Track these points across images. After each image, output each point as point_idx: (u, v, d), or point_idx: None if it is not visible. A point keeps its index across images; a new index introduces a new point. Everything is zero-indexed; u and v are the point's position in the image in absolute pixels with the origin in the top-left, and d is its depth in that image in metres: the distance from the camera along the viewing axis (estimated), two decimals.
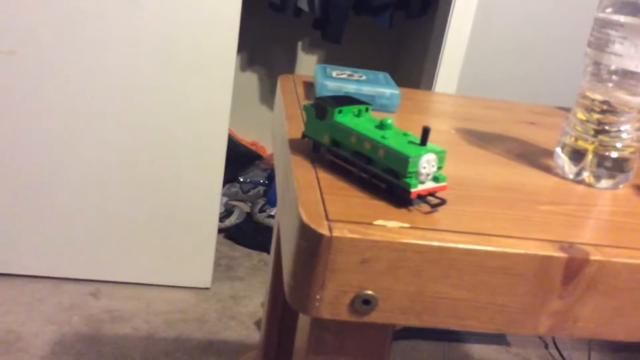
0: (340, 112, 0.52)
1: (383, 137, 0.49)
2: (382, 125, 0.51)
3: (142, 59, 1.45)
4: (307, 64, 2.37)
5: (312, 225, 0.42)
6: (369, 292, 0.43)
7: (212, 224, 1.62)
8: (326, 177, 0.51)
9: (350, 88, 0.74)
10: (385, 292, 0.43)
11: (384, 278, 0.43)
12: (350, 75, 0.77)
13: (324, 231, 0.42)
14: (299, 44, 2.34)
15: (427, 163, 0.47)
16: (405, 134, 0.51)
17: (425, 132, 0.48)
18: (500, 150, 0.66)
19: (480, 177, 0.57)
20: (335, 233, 0.42)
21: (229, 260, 1.84)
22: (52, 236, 1.58)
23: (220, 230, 1.96)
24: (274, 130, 0.76)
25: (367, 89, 0.74)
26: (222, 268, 1.80)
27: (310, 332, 0.47)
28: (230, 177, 2.15)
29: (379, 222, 0.44)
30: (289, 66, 2.33)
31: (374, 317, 0.44)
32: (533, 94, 1.74)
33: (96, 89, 1.46)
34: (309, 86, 0.81)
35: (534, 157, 0.66)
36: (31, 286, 1.59)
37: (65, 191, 1.55)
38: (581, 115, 0.58)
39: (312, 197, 0.46)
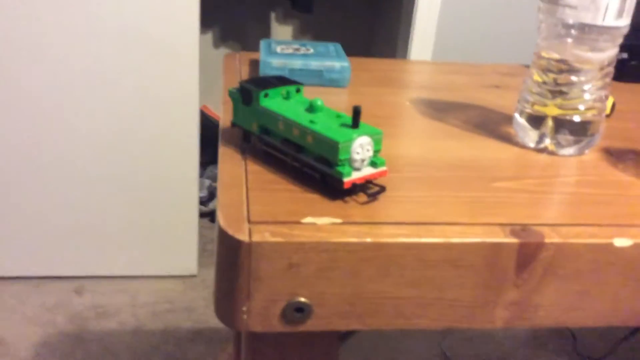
0: (266, 95, 0.48)
1: (311, 122, 0.45)
2: (311, 108, 0.46)
3: (101, 42, 1.39)
4: (283, 36, 2.30)
5: (230, 231, 0.38)
6: (301, 299, 0.39)
7: (192, 208, 1.58)
8: (256, 171, 0.47)
9: (297, 64, 0.69)
10: (319, 298, 0.40)
11: (316, 282, 0.39)
12: (296, 49, 0.72)
13: (243, 237, 0.38)
14: (272, 15, 2.27)
15: (360, 147, 0.43)
16: (338, 116, 0.46)
17: (356, 112, 0.43)
18: (457, 122, 0.62)
19: (432, 155, 0.53)
20: (255, 238, 0.38)
21: (214, 244, 1.81)
22: (28, 234, 1.55)
23: (204, 214, 1.93)
24: None
25: (314, 64, 0.69)
26: (208, 253, 1.77)
27: (248, 346, 0.43)
28: (212, 158, 2.10)
29: (308, 219, 0.40)
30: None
31: (310, 325, 0.40)
32: (515, 54, 1.67)
33: (59, 78, 1.41)
34: (255, 65, 0.75)
35: (495, 126, 0.62)
36: (11, 288, 1.56)
37: (38, 186, 1.51)
38: (537, 77, 0.52)
39: (235, 197, 0.42)
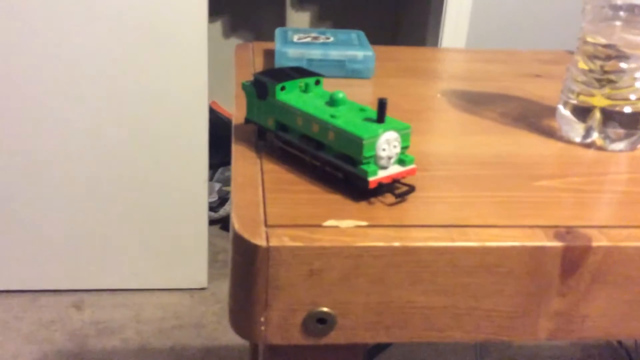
0: (283, 88, 0.49)
1: (333, 117, 0.45)
2: (332, 101, 0.47)
3: (97, 29, 1.41)
4: (300, 24, 2.32)
5: (245, 235, 0.39)
6: (324, 308, 0.40)
7: (202, 215, 1.60)
8: (273, 170, 0.48)
9: (315, 54, 0.70)
10: (343, 307, 0.40)
11: (340, 290, 0.40)
12: (315, 38, 0.73)
13: (260, 241, 0.39)
14: (288, 1, 2.28)
15: (386, 144, 0.44)
16: (362, 110, 0.47)
17: (382, 106, 0.44)
18: (494, 115, 0.62)
19: (465, 152, 0.53)
20: (273, 242, 0.39)
21: (226, 254, 1.82)
22: (23, 244, 1.58)
23: (214, 221, 1.94)
24: None
25: (335, 53, 0.70)
26: (219, 264, 1.78)
27: None
28: (222, 159, 2.12)
29: (330, 222, 0.41)
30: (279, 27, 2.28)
31: (334, 337, 0.41)
32: (558, 39, 1.67)
33: (52, 74, 1.43)
34: (270, 56, 0.76)
35: (536, 119, 0.62)
36: (6, 302, 1.59)
37: (36, 194, 1.54)
38: (583, 64, 0.53)
39: (251, 198, 0.43)
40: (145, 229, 1.59)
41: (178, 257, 1.63)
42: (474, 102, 0.66)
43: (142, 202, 1.57)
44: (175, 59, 1.45)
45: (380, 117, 0.44)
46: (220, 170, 2.10)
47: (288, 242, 0.39)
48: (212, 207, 1.93)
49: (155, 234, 1.60)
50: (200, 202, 1.59)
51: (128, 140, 1.51)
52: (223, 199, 1.98)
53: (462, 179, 0.48)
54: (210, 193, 1.93)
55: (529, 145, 0.55)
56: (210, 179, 2.01)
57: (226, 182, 2.13)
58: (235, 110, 0.59)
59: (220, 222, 1.97)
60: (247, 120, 0.52)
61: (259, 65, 0.74)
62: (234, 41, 2.30)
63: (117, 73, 1.45)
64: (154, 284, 1.65)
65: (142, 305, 1.61)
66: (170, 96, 1.49)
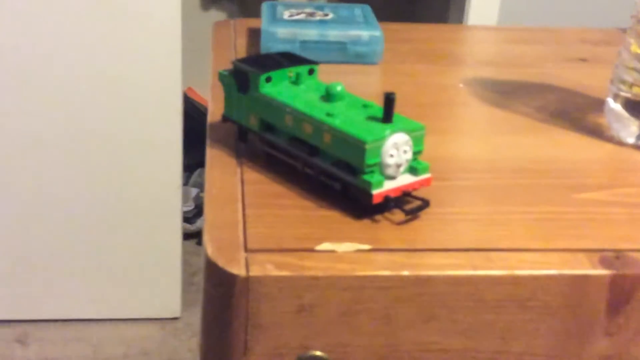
0: (269, 79, 0.49)
1: (329, 115, 0.45)
2: (328, 95, 0.47)
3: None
4: None
5: (220, 262, 0.39)
6: (317, 352, 0.40)
7: (174, 227, 1.60)
8: (256, 180, 0.48)
9: (311, 34, 0.70)
10: (340, 351, 0.40)
11: (336, 330, 0.40)
12: (310, 14, 0.73)
13: (237, 270, 0.39)
14: None
15: (395, 149, 0.44)
16: (365, 106, 0.47)
17: (389, 101, 0.44)
18: (529, 109, 0.62)
19: (493, 156, 0.53)
20: (255, 271, 0.39)
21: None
22: None
23: (190, 235, 1.94)
24: None
25: (335, 34, 0.70)
26: (196, 288, 1.78)
27: None
28: (200, 159, 2.12)
29: (325, 246, 0.41)
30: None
31: None
32: (608, 14, 1.67)
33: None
34: (255, 36, 0.76)
35: (580, 114, 0.62)
36: None
37: None
38: (637, 47, 0.53)
39: (228, 215, 0.43)
40: (105, 245, 1.59)
41: (145, 280, 1.63)
42: (505, 93, 0.66)
43: (100, 212, 1.56)
44: (142, 36, 1.45)
45: (387, 115, 0.44)
46: (197, 172, 2.10)
47: (273, 271, 0.39)
48: (188, 218, 1.93)
49: (117, 252, 1.60)
50: (172, 212, 1.59)
51: (81, 136, 1.51)
52: (201, 208, 1.99)
53: (489, 190, 0.48)
54: (185, 201, 1.93)
55: (570, 147, 0.55)
56: (185, 183, 2.01)
57: (204, 187, 2.14)
58: (211, 105, 0.59)
59: (198, 236, 1.97)
60: (225, 118, 0.52)
61: (241, 48, 0.74)
62: (214, 16, 2.30)
63: (77, 55, 1.45)
64: (116, 312, 1.65)
65: (102, 339, 1.61)
66: (135, 81, 1.48)
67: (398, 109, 0.59)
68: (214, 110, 0.58)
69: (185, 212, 1.92)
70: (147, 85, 1.49)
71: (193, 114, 2.07)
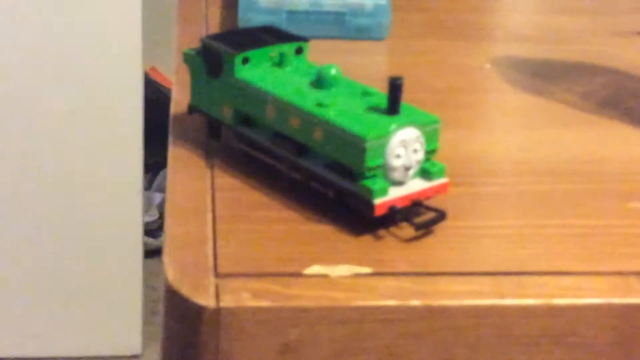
0: (246, 60, 0.49)
1: (320, 105, 0.45)
2: (320, 80, 0.47)
3: None
4: None
5: (184, 290, 0.39)
6: None
7: (134, 243, 1.60)
8: (229, 186, 0.48)
9: (300, 2, 0.69)
10: None
11: None
12: None
13: (205, 299, 0.39)
14: None
15: (402, 147, 0.44)
16: (366, 93, 0.47)
17: (396, 88, 0.44)
18: (572, 97, 0.63)
19: (527, 155, 0.53)
20: (227, 301, 0.38)
21: None
22: None
23: (153, 252, 1.94)
24: None
25: (330, 2, 0.70)
26: (160, 318, 1.78)
27: None
28: (165, 156, 2.12)
29: (316, 269, 0.41)
30: None
31: None
32: None
33: None
34: (231, 5, 0.76)
35: (636, 102, 0.62)
36: None
37: None
38: None
39: (194, 231, 0.43)
40: (47, 267, 1.59)
41: (98, 309, 1.63)
42: (542, 76, 0.66)
43: (40, 226, 1.56)
44: (95, 6, 1.45)
45: (393, 105, 0.44)
46: (162, 173, 2.10)
47: (250, 301, 0.38)
48: (151, 231, 1.93)
49: (63, 275, 1.60)
50: (131, 223, 1.59)
51: (16, 127, 1.51)
52: None
53: (520, 198, 0.48)
54: (147, 209, 1.93)
55: (622, 144, 0.55)
56: (148, 187, 2.01)
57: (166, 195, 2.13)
58: (175, 92, 0.59)
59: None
60: (192, 109, 0.52)
61: (213, 20, 0.74)
62: None
63: (11, 27, 1.45)
64: (62, 350, 1.65)
65: None
66: (82, 58, 1.48)
67: (408, 96, 0.58)
68: (179, 99, 0.58)
69: (147, 224, 1.92)
70: (97, 64, 1.49)
71: (157, 100, 2.06)
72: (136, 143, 1.54)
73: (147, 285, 1.78)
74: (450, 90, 0.62)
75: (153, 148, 1.85)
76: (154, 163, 2.00)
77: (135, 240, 1.60)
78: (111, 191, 1.57)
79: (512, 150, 0.54)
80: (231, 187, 0.48)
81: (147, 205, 1.93)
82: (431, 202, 0.46)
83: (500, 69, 0.67)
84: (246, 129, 0.49)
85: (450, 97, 0.61)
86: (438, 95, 0.61)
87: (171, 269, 0.40)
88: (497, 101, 0.61)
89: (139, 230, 1.60)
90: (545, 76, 0.66)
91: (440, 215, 0.44)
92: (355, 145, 0.43)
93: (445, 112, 0.57)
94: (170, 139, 0.53)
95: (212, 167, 0.50)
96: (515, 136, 0.56)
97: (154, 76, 2.14)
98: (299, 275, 0.40)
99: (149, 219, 1.93)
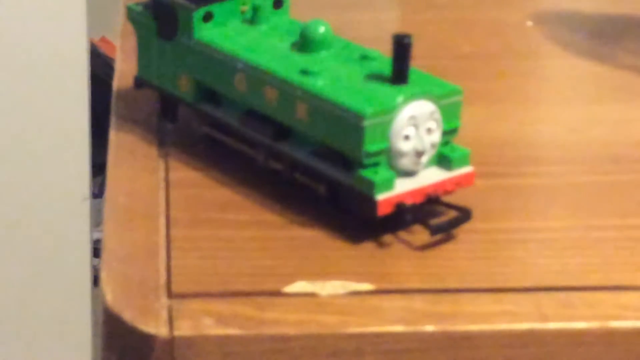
0: (208, 17, 0.49)
1: (305, 73, 0.45)
2: (305, 42, 0.47)
3: None
4: None
5: (125, 316, 0.39)
6: None
7: (80, 265, 1.61)
8: (188, 181, 0.48)
9: None
10: None
11: None
12: None
13: (154, 326, 0.38)
14: None
15: (413, 125, 0.44)
16: (365, 57, 0.47)
17: (402, 47, 0.44)
18: (638, 62, 0.62)
19: (577, 137, 0.53)
20: (183, 329, 0.38)
21: None
22: None
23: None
24: None
25: None
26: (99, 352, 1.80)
27: None
28: None
29: (299, 286, 0.41)
30: None
31: None
32: None
33: None
34: None
35: None
36: None
37: None
38: None
39: (141, 239, 0.44)
40: None
41: (38, 342, 1.64)
42: (600, 37, 0.66)
43: None
44: None
45: (400, 72, 0.44)
46: None
47: (213, 329, 0.39)
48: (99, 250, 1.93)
49: (2, 297, 1.61)
50: (77, 240, 1.60)
51: None
52: None
53: (569, 192, 0.49)
54: (96, 222, 1.94)
55: None
56: (98, 193, 2.02)
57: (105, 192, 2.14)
58: (119, 61, 0.60)
59: None
60: (140, 82, 0.52)
61: None
62: None
63: None
64: None
65: None
66: (9, 23, 1.49)
67: (422, 63, 0.59)
68: (125, 70, 0.58)
69: (97, 241, 1.92)
70: (29, 31, 1.49)
71: (108, 78, 2.08)
72: (81, 134, 1.54)
73: (98, 314, 1.80)
74: (479, 56, 0.62)
75: (105, 142, 1.85)
76: (105, 162, 2.01)
77: (82, 260, 1.61)
78: (49, 198, 1.57)
79: (560, 130, 0.54)
80: (191, 182, 0.48)
81: (97, 217, 1.93)
82: (451, 198, 0.46)
83: (546, 27, 0.67)
84: (210, 107, 0.49)
85: (479, 64, 0.61)
86: (463, 62, 0.61)
87: (110, 288, 0.40)
88: (540, 68, 0.61)
89: (87, 248, 1.61)
90: (604, 36, 0.66)
91: (464, 215, 0.44)
92: (350, 124, 0.43)
93: (472, 82, 0.57)
94: (113, 120, 0.53)
95: (166, 157, 0.50)
96: (563, 113, 0.56)
97: (104, 49, 2.15)
98: (278, 294, 0.40)
99: (99, 235, 1.94)
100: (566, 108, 0.57)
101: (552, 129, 0.55)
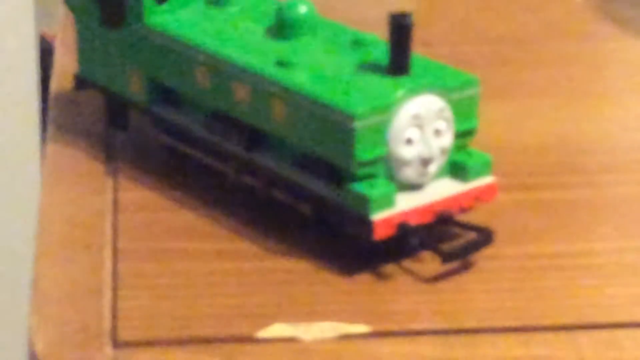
0: None
1: (283, 64, 0.46)
2: (282, 26, 0.48)
3: None
4: None
5: None
6: None
7: (22, 285, 1.61)
8: (140, 203, 0.49)
9: None
10: None
11: None
12: None
13: None
14: None
15: (417, 126, 0.44)
16: (357, 42, 0.48)
17: (401, 30, 0.44)
18: None
19: (631, 137, 0.54)
20: None
21: None
22: None
23: None
24: None
25: None
26: None
27: None
28: None
29: (277, 329, 0.41)
30: None
31: None
32: None
33: None
34: None
35: None
36: None
37: None
38: None
39: (81, 275, 0.44)
40: None
41: None
42: None
43: None
44: None
45: (400, 60, 0.45)
46: None
47: None
48: None
49: None
50: (23, 269, 1.60)
51: None
52: None
53: (618, 206, 0.49)
54: None
55: None
56: None
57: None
58: (59, 56, 0.60)
59: None
60: (82, 82, 0.53)
61: None
62: None
63: None
64: None
65: None
66: None
67: (440, 49, 0.59)
68: (65, 67, 0.58)
69: None
70: None
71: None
72: (31, 141, 1.55)
73: None
74: (512, 39, 0.62)
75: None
76: None
77: (25, 281, 1.61)
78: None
79: (611, 130, 0.54)
80: (144, 204, 0.48)
81: None
82: (468, 217, 0.46)
83: (600, 1, 0.67)
84: (167, 110, 0.50)
85: (512, 49, 0.61)
86: (492, 47, 0.62)
87: (42, 335, 0.41)
88: (591, 53, 0.61)
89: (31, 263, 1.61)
90: None
91: (484, 238, 0.45)
92: (338, 127, 0.43)
93: (502, 72, 0.58)
94: (49, 130, 0.53)
95: (114, 174, 0.50)
96: (617, 108, 0.56)
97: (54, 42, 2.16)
98: (250, 340, 0.41)
99: None
100: (621, 102, 0.57)
101: (601, 128, 0.55)
